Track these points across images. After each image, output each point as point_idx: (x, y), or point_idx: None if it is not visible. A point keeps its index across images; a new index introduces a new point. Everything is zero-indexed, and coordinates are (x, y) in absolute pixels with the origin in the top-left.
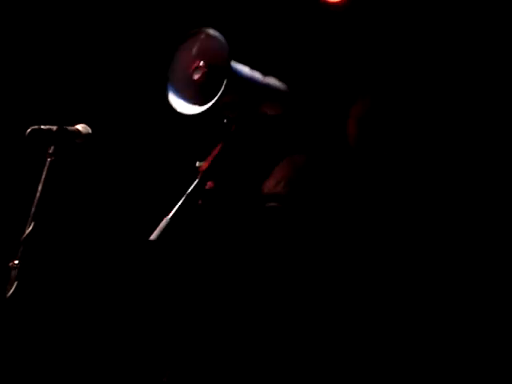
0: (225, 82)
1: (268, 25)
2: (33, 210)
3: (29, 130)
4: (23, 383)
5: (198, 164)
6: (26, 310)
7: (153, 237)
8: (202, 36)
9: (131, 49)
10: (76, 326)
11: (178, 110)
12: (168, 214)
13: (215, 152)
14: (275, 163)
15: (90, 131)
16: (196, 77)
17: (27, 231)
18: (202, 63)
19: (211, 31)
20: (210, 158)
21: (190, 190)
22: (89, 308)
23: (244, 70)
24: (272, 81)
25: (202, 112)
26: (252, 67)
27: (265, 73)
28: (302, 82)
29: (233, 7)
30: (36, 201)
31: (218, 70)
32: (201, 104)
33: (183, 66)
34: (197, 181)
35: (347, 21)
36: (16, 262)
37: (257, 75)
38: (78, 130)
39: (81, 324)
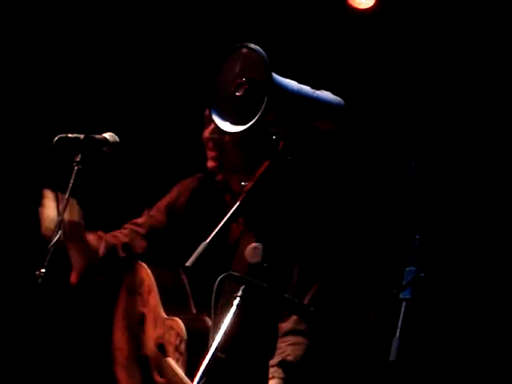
0: (266, 98)
1: (308, 39)
2: (60, 218)
3: (56, 139)
4: None
5: (242, 183)
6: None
7: (189, 263)
8: (244, 51)
9: (163, 60)
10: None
11: (222, 128)
12: (207, 239)
13: (261, 171)
14: (326, 183)
15: (117, 140)
16: (238, 94)
17: (54, 240)
18: (243, 79)
19: (252, 46)
20: (254, 178)
21: (232, 211)
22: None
23: (290, 84)
24: (324, 95)
25: (246, 130)
26: (304, 82)
27: (318, 87)
28: (355, 95)
29: (273, 23)
30: (63, 209)
31: (260, 86)
32: (244, 122)
33: (226, 84)
34: (239, 202)
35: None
36: (42, 270)
37: (306, 89)
38: (105, 138)
39: None
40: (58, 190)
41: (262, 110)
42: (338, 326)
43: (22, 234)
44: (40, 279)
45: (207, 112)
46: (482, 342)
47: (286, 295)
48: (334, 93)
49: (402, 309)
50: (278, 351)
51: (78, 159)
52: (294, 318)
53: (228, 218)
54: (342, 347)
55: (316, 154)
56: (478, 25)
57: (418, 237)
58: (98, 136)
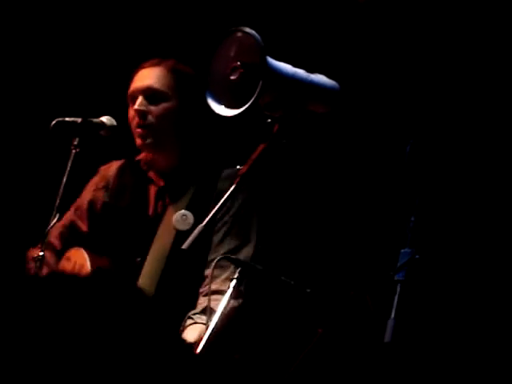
0: (260, 83)
1: (308, 23)
2: (57, 201)
3: (53, 122)
4: None
5: (237, 167)
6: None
7: (185, 246)
8: (239, 35)
9: (163, 45)
10: None
11: (217, 111)
12: (202, 222)
13: (255, 155)
14: (320, 166)
15: (114, 123)
16: (233, 78)
17: (52, 223)
18: (238, 63)
19: (247, 30)
20: (249, 161)
21: (227, 195)
22: None
23: (285, 67)
24: (318, 78)
25: (241, 113)
26: (299, 65)
27: (313, 70)
28: (351, 78)
29: (269, 7)
30: (60, 193)
31: (255, 70)
32: (239, 105)
33: (221, 67)
34: (234, 185)
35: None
36: (40, 253)
37: (300, 72)
38: (102, 121)
39: None
40: (55, 173)
41: (256, 93)
42: (334, 308)
43: (18, 217)
44: (38, 262)
45: (129, 91)
46: (476, 324)
47: (283, 277)
48: (328, 76)
49: (397, 290)
50: (201, 305)
51: (75, 143)
52: (221, 278)
53: (223, 203)
54: (339, 329)
55: (310, 137)
56: (481, 14)
57: (413, 219)
58: (95, 119)
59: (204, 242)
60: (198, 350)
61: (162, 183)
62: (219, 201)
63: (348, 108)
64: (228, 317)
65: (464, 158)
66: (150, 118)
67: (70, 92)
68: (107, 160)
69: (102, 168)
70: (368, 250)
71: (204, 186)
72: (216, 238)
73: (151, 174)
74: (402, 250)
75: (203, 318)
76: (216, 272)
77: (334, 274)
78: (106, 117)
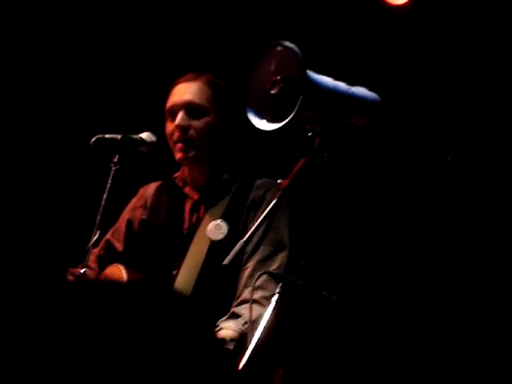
0: (300, 97)
1: (346, 35)
2: (98, 218)
3: (93, 139)
4: None
5: (279, 181)
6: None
7: (226, 261)
8: (279, 49)
9: (195, 61)
10: None
11: (257, 126)
12: (244, 237)
13: (297, 168)
14: (363, 179)
15: (154, 139)
16: (273, 92)
17: (93, 240)
18: (278, 77)
19: (287, 43)
20: (291, 175)
21: (269, 209)
22: None
23: (325, 80)
24: (359, 90)
25: (282, 128)
26: (340, 78)
27: (354, 83)
28: (391, 90)
29: (308, 20)
30: (101, 210)
31: (295, 84)
32: (280, 120)
33: (261, 82)
34: (276, 199)
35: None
36: (82, 269)
37: (341, 85)
38: (142, 138)
39: None
40: (96, 189)
41: (296, 107)
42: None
43: (59, 234)
44: (81, 277)
45: (167, 106)
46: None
47: (324, 292)
48: (369, 89)
49: None
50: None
51: (115, 159)
52: (251, 288)
53: (264, 217)
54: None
55: (351, 150)
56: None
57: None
58: (134, 136)
59: (237, 253)
60: (241, 364)
61: (196, 196)
62: (252, 210)
63: (389, 120)
64: (270, 331)
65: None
66: (191, 132)
67: (109, 108)
68: (148, 176)
69: (141, 189)
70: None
71: (237, 195)
72: (249, 247)
73: (187, 190)
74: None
75: (229, 323)
76: (247, 280)
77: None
78: (146, 133)
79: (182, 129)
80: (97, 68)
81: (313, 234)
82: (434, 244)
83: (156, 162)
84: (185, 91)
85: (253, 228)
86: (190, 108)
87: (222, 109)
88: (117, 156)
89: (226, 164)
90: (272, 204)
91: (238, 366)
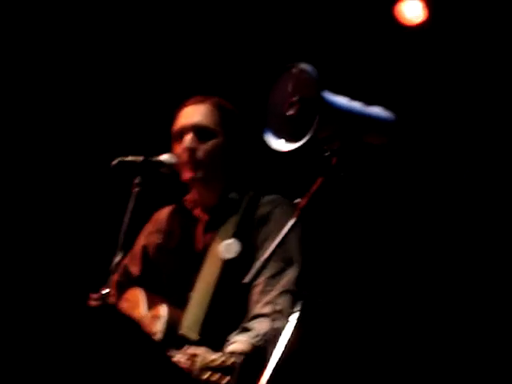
0: (316, 118)
1: (361, 55)
2: (121, 240)
3: (115, 162)
4: None
5: (296, 201)
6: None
7: (247, 279)
8: (295, 71)
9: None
10: None
11: (275, 147)
12: (263, 255)
13: (314, 188)
14: (379, 197)
15: (174, 161)
16: (290, 113)
17: (116, 261)
18: (295, 98)
19: (303, 65)
20: (308, 194)
21: (287, 229)
22: None
23: (341, 101)
24: (374, 110)
25: (299, 148)
26: (356, 98)
27: (369, 103)
28: (407, 109)
29: (324, 40)
30: (123, 231)
31: (311, 105)
32: (297, 140)
33: (278, 103)
34: (294, 219)
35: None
36: (105, 290)
37: (356, 105)
38: (162, 160)
39: None
40: (118, 211)
41: (313, 128)
42: None
43: (82, 256)
44: (104, 299)
45: (175, 128)
46: None
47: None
48: (385, 108)
49: None
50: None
51: (136, 181)
52: (263, 302)
53: (284, 237)
54: None
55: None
56: None
57: None
58: (155, 158)
59: (249, 270)
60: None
61: (206, 217)
62: (260, 226)
63: (405, 139)
64: (290, 349)
65: None
66: (199, 154)
67: (131, 131)
68: (169, 197)
69: (155, 214)
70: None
71: (246, 213)
72: (259, 264)
73: (196, 212)
74: None
75: (240, 337)
76: (258, 297)
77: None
78: (166, 155)
79: (191, 151)
80: (119, 92)
81: (328, 251)
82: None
83: (177, 183)
84: (193, 114)
85: (273, 246)
86: (198, 130)
87: (230, 131)
88: (138, 178)
89: (234, 183)
90: (291, 223)
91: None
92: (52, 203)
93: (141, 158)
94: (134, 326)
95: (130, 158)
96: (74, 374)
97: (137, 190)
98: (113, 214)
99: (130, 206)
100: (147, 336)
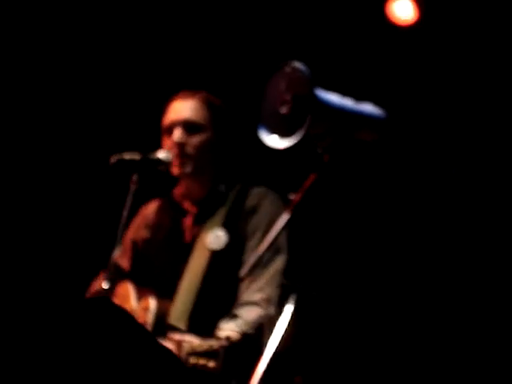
0: (309, 115)
1: (350, 52)
2: (119, 235)
3: (113, 160)
4: None
5: (290, 197)
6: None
7: (243, 273)
8: (288, 69)
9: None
10: None
11: (268, 144)
12: (258, 248)
13: (308, 183)
14: (371, 193)
15: (170, 158)
16: (283, 111)
17: (114, 255)
18: (288, 97)
19: (296, 64)
20: (301, 190)
21: (282, 224)
22: None
23: (333, 98)
24: (366, 107)
25: (292, 145)
26: (347, 95)
27: (361, 99)
28: (398, 106)
29: (317, 39)
30: (122, 227)
31: (304, 102)
32: (290, 137)
33: (272, 101)
34: (288, 214)
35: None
36: (104, 285)
37: (348, 102)
38: (159, 158)
39: None
40: (116, 208)
41: (305, 125)
42: None
43: (82, 251)
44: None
45: (164, 123)
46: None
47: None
48: (376, 105)
49: None
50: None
51: (134, 179)
52: (252, 289)
53: (280, 231)
54: None
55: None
56: None
57: None
58: (152, 156)
59: (237, 261)
60: (259, 371)
61: (195, 210)
62: (248, 218)
63: (396, 135)
64: (285, 340)
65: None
66: (188, 148)
67: (128, 127)
68: (166, 193)
69: (143, 208)
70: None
71: (234, 205)
72: (248, 254)
73: (185, 205)
74: None
75: (229, 324)
76: (246, 284)
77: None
78: (163, 152)
79: (180, 145)
80: (116, 88)
81: (322, 244)
82: (444, 252)
83: (174, 180)
84: (182, 108)
85: (269, 241)
86: (187, 125)
87: (218, 125)
88: (136, 175)
89: (222, 176)
90: (286, 219)
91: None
92: (51, 200)
93: (139, 157)
94: (128, 318)
95: (128, 157)
96: (71, 366)
97: (134, 186)
98: (111, 210)
99: (128, 202)
100: (141, 327)
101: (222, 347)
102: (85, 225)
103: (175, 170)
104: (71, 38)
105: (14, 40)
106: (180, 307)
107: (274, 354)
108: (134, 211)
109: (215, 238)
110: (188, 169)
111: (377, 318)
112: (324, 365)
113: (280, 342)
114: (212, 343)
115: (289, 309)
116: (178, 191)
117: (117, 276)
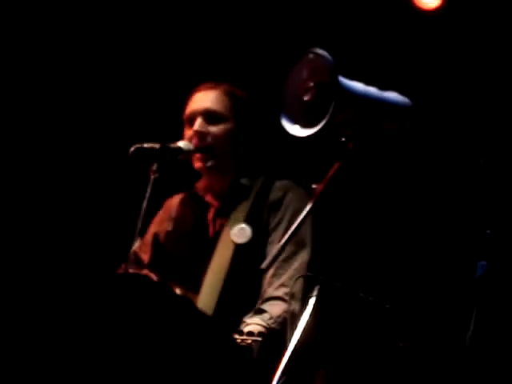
0: (332, 103)
1: (377, 40)
2: (139, 226)
3: (132, 149)
4: None
5: (313, 186)
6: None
7: (264, 265)
8: (311, 56)
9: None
10: None
11: (291, 132)
12: (280, 241)
13: (331, 173)
14: (395, 182)
15: (191, 147)
16: (306, 98)
17: (134, 246)
18: (311, 84)
19: (319, 51)
20: (325, 180)
21: (305, 213)
22: None
23: (357, 86)
24: (390, 95)
25: (315, 133)
26: (372, 83)
27: (385, 88)
28: (423, 95)
29: (340, 26)
30: (141, 218)
31: (327, 90)
32: (313, 126)
33: (294, 89)
34: (311, 204)
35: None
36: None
37: (372, 91)
38: (179, 146)
39: None
40: (136, 198)
41: (329, 113)
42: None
43: (100, 243)
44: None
45: (186, 113)
46: None
47: (361, 294)
48: (400, 93)
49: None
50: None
51: (154, 168)
52: (275, 285)
53: (301, 221)
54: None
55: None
56: None
57: (488, 231)
58: (172, 145)
59: (261, 254)
60: (282, 365)
61: (217, 204)
62: (272, 211)
63: (421, 125)
64: (308, 333)
65: None
66: (208, 139)
67: (148, 117)
68: (186, 185)
69: (167, 201)
70: (444, 263)
71: (258, 199)
72: (271, 247)
73: (208, 198)
74: (479, 263)
75: (255, 319)
76: (270, 279)
77: (411, 288)
78: (183, 141)
79: (201, 135)
80: (136, 79)
81: (347, 235)
82: (469, 245)
83: (194, 171)
84: (203, 99)
85: (290, 232)
86: (208, 115)
87: (240, 116)
88: (156, 165)
89: (244, 169)
90: (308, 208)
91: (268, 362)
92: (71, 191)
93: (158, 145)
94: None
95: (147, 145)
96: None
97: (154, 176)
98: (131, 200)
99: (148, 192)
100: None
101: (256, 344)
102: (105, 215)
103: (197, 165)
104: (93, 28)
105: (23, 30)
106: (205, 301)
107: (297, 347)
108: (153, 201)
109: (239, 231)
110: (209, 162)
111: (401, 309)
112: (347, 358)
113: (303, 335)
114: (245, 338)
115: (312, 301)
116: (201, 185)
117: (137, 268)
